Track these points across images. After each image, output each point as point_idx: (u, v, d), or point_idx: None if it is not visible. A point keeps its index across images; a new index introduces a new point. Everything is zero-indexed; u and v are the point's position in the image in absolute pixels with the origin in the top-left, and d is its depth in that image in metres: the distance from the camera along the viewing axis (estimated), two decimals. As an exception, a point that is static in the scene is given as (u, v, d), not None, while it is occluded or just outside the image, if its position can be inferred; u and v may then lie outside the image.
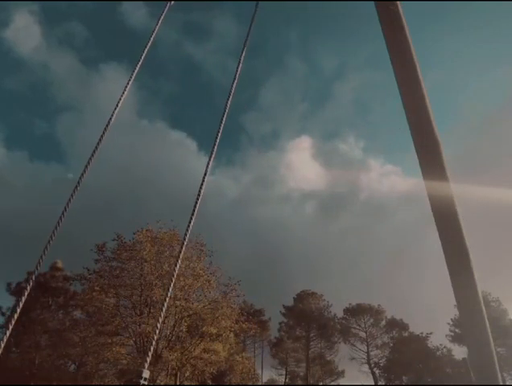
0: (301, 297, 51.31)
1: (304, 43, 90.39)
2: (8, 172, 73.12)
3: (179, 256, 2.42)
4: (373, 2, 3.22)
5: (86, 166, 2.51)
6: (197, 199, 2.52)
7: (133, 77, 3.01)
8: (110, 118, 2.77)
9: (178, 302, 21.94)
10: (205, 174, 2.61)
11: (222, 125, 2.87)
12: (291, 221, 79.14)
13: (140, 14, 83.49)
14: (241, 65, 3.30)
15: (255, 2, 3.63)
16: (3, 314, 34.97)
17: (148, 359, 2.04)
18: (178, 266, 2.38)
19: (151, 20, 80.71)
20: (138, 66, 3.05)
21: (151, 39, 3.23)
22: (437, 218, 2.63)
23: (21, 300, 2.01)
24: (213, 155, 2.71)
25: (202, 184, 2.58)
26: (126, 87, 2.97)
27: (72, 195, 2.40)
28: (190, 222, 2.41)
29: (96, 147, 2.65)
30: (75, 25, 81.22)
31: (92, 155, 2.59)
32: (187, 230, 2.38)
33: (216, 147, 2.73)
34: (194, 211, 2.45)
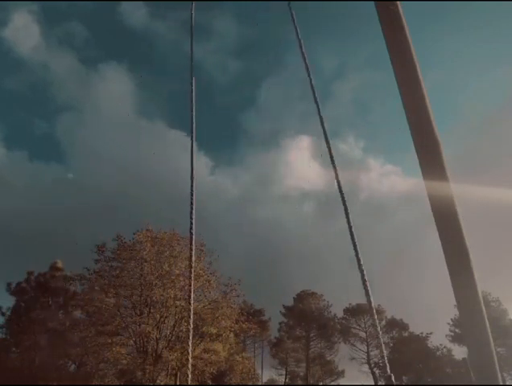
0: (301, 297, 51.32)
1: (304, 43, 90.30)
2: (8, 172, 73.05)
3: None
4: (373, 2, 3.22)
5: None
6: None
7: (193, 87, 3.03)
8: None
9: (178, 302, 21.96)
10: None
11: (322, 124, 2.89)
12: (290, 221, 79.10)
13: (140, 14, 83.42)
14: (308, 65, 3.28)
15: (287, 2, 3.59)
16: (3, 314, 34.98)
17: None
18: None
19: (151, 20, 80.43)
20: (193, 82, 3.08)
21: (192, 47, 3.24)
22: (437, 218, 2.63)
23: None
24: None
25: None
26: (192, 103, 2.99)
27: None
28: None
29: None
30: (74, 25, 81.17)
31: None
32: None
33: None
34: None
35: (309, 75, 3.24)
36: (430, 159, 2.72)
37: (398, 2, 3.12)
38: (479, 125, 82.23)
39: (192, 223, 2.42)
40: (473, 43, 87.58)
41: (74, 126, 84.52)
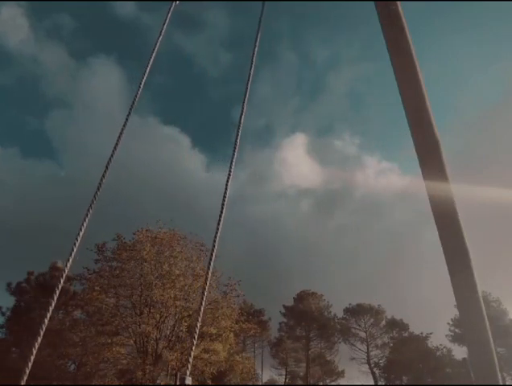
0: (301, 297, 51.31)
1: (296, 34, 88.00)
2: (0, 169, 72.50)
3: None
4: (373, 2, 3.22)
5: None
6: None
7: (143, 81, 2.98)
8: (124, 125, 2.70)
9: (178, 302, 21.96)
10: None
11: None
12: (288, 219, 78.82)
13: (129, 6, 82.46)
14: (253, 68, 3.23)
15: (262, 2, 3.55)
16: (3, 314, 34.96)
17: (189, 366, 1.89)
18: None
19: (140, 12, 79.39)
20: (148, 68, 3.02)
21: (159, 40, 3.20)
22: (437, 218, 2.63)
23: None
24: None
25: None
26: (138, 91, 2.90)
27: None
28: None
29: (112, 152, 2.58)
30: (63, 16, 79.99)
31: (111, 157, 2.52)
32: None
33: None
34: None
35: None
36: (430, 158, 2.72)
37: (398, 2, 3.12)
38: (477, 123, 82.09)
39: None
40: (471, 41, 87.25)
41: (65, 122, 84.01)
